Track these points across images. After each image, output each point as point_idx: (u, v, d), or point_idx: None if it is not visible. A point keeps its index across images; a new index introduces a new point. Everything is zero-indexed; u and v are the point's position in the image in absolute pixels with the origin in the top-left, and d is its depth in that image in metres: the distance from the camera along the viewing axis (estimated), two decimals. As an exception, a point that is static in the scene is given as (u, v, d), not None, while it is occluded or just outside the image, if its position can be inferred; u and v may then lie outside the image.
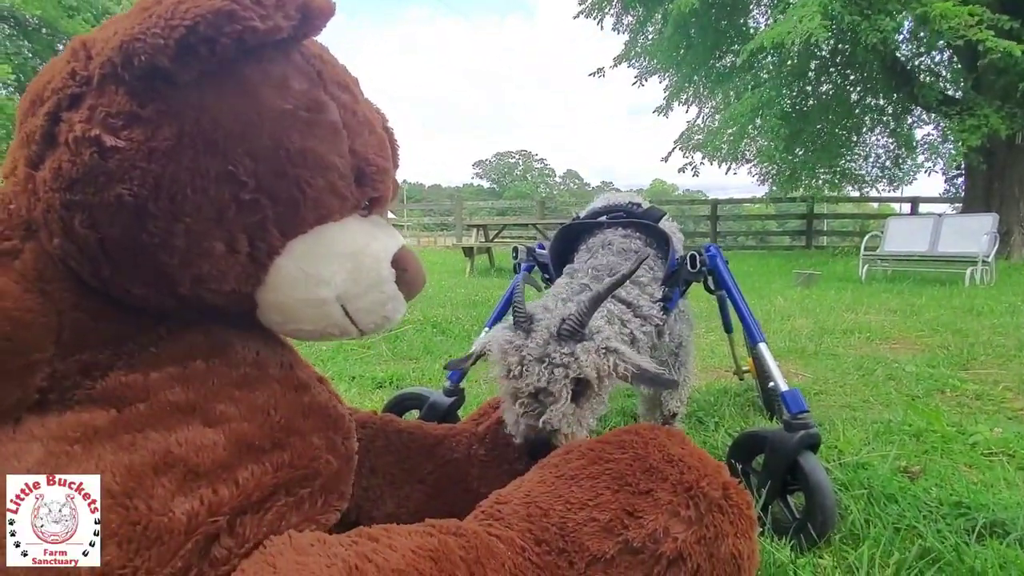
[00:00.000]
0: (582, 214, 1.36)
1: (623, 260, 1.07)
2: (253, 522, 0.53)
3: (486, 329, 1.38)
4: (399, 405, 1.35)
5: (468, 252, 7.04)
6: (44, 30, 15.81)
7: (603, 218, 1.23)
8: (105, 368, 0.60)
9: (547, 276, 1.24)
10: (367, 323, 0.69)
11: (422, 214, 15.69)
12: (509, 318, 0.93)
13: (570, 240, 1.25)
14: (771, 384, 1.09)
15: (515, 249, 1.29)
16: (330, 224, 0.66)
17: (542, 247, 1.30)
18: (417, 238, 18.41)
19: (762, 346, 1.12)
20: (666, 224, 1.26)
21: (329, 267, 0.64)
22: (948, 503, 1.07)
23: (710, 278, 1.32)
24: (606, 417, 1.72)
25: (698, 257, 1.08)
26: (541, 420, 0.81)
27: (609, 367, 0.83)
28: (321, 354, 2.32)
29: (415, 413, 1.32)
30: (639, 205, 1.29)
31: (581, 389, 0.84)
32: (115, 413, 0.57)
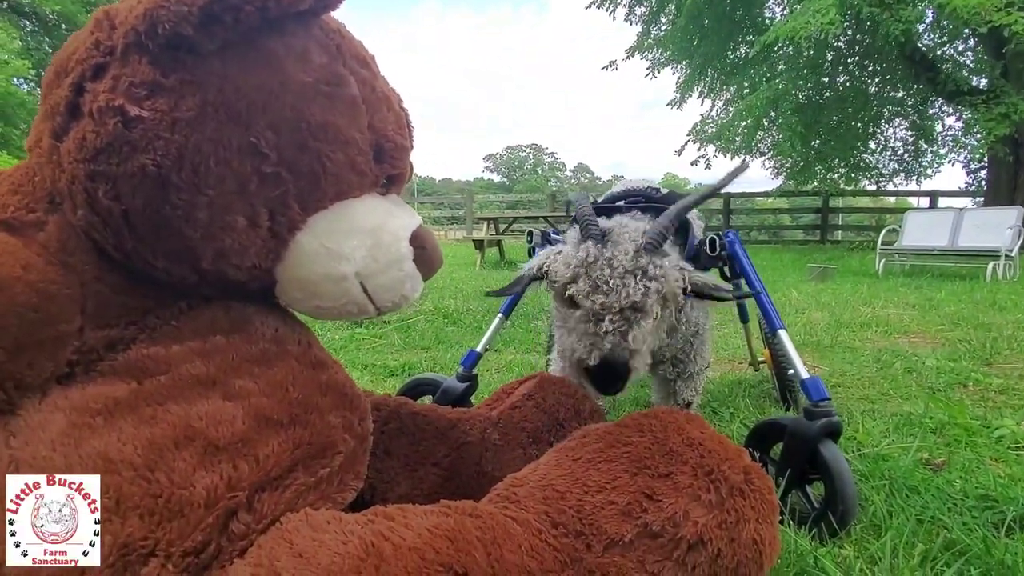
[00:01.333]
0: (600, 199, 1.34)
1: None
2: (271, 498, 0.53)
3: (500, 315, 1.37)
4: (413, 391, 1.35)
5: (478, 245, 7.03)
6: (64, 26, 16.03)
7: (621, 203, 1.21)
8: (128, 342, 0.60)
9: None
10: (385, 301, 0.68)
11: (432, 207, 15.71)
12: (566, 240, 0.90)
13: None
14: (791, 371, 1.07)
15: (529, 233, 1.28)
16: (350, 200, 0.66)
17: (557, 232, 1.29)
18: (428, 231, 18.38)
19: (782, 333, 1.10)
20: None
21: (349, 243, 0.64)
22: (974, 496, 1.05)
23: (726, 266, 1.30)
24: (621, 405, 1.71)
25: (718, 241, 1.06)
26: (630, 337, 0.78)
27: (685, 282, 0.81)
28: (333, 343, 2.33)
29: (429, 400, 1.32)
30: (657, 191, 1.27)
31: (662, 306, 0.82)
32: (136, 385, 0.57)
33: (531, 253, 1.30)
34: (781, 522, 0.93)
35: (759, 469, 0.66)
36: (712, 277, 0.87)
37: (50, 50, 16.49)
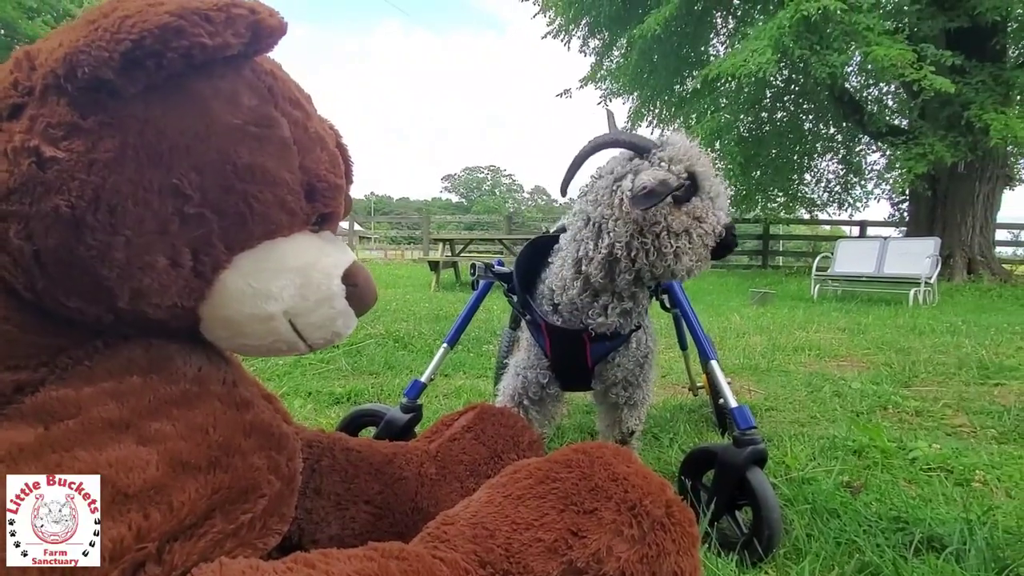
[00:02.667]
0: (552, 229, 1.38)
1: None
2: (184, 548, 0.51)
3: (445, 345, 1.37)
4: (354, 422, 1.32)
5: (434, 266, 7.00)
6: (2, 31, 15.20)
7: None
8: (38, 384, 0.58)
9: (509, 290, 1.25)
10: (316, 338, 0.68)
11: (389, 227, 15.57)
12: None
13: (539, 254, 1.25)
14: (721, 400, 1.12)
15: (473, 266, 1.29)
16: (279, 239, 0.65)
17: (500, 263, 1.31)
18: (384, 251, 18.20)
19: (713, 363, 1.15)
20: None
21: (277, 282, 0.63)
22: (887, 518, 1.12)
23: (665, 296, 1.36)
24: (562, 433, 1.73)
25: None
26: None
27: None
28: (277, 368, 2.26)
29: (372, 431, 1.30)
30: None
31: None
32: (43, 431, 0.54)
33: (474, 286, 1.32)
34: (708, 549, 0.96)
35: (680, 503, 0.69)
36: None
37: (-9, 57, 15.58)
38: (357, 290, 0.69)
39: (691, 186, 1.01)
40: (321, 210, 0.69)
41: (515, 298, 1.22)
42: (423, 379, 1.31)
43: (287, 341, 0.66)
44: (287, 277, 0.64)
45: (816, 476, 1.33)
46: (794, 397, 2.19)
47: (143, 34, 0.49)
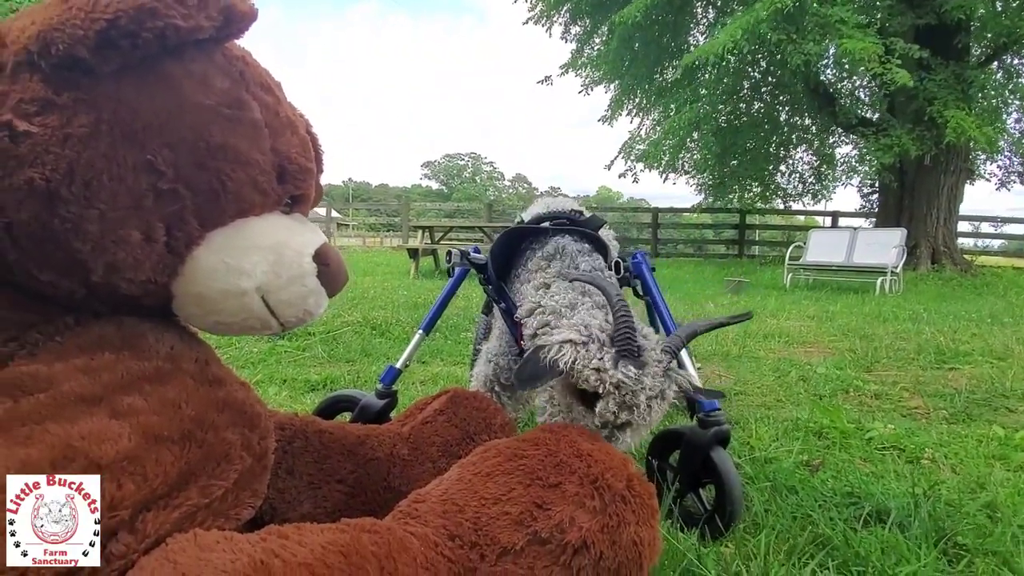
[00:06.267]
0: (525, 217, 1.39)
1: (587, 260, 1.11)
2: (157, 518, 0.52)
3: (420, 331, 1.39)
4: (331, 408, 1.33)
5: (413, 254, 6.97)
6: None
7: (546, 224, 1.25)
8: (6, 359, 0.58)
9: (484, 278, 1.26)
10: (288, 316, 0.69)
11: (368, 214, 15.38)
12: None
13: (514, 244, 1.25)
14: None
15: (448, 253, 1.31)
16: (251, 218, 0.66)
17: (476, 251, 1.32)
18: (363, 238, 17.98)
19: (685, 356, 1.19)
20: (604, 232, 1.32)
21: (250, 259, 0.64)
22: (841, 493, 1.18)
23: (637, 283, 1.38)
24: (533, 417, 1.76)
25: (622, 264, 1.13)
26: (633, 444, 0.85)
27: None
28: (252, 356, 2.25)
29: (348, 416, 1.31)
30: (581, 213, 1.33)
31: None
32: (11, 404, 0.54)
33: (450, 272, 1.33)
34: (672, 524, 1.00)
35: (641, 476, 0.72)
36: (687, 374, 0.92)
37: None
38: (329, 269, 0.71)
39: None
40: (292, 192, 0.70)
41: (490, 287, 1.23)
42: (398, 365, 1.33)
43: (259, 318, 0.67)
44: (259, 254, 0.65)
45: (778, 456, 1.38)
46: (762, 382, 2.26)
47: (118, 14, 0.49)
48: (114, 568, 0.48)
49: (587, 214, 1.30)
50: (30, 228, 0.54)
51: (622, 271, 1.14)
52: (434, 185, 55.69)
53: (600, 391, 0.82)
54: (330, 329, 2.87)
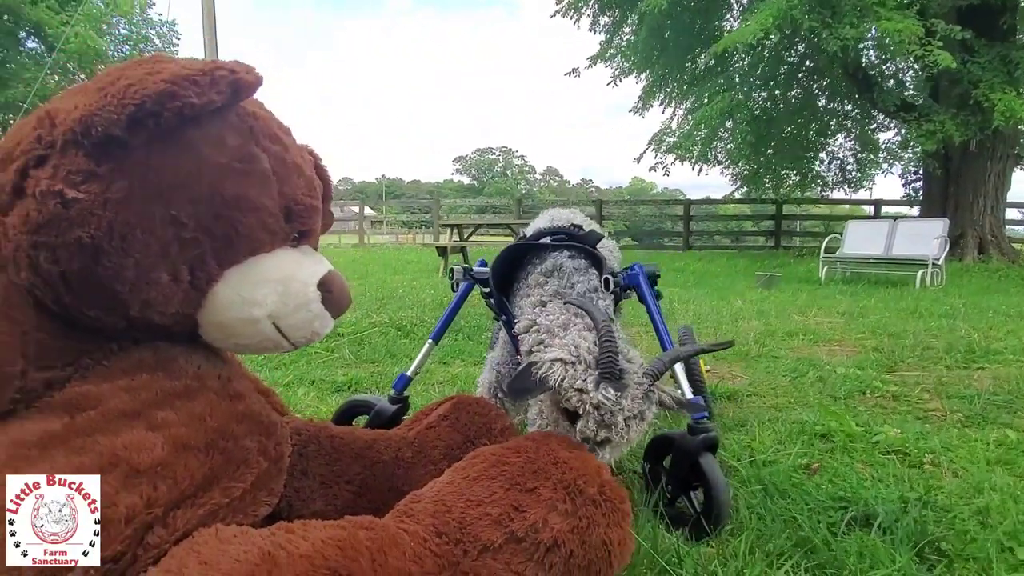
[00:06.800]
0: (529, 231, 1.47)
1: (583, 278, 1.17)
2: (185, 515, 0.63)
3: (429, 341, 1.48)
4: (348, 412, 1.44)
5: (442, 252, 7.11)
6: (6, 16, 15.32)
7: (547, 239, 1.32)
8: (64, 381, 0.69)
9: (486, 292, 1.34)
10: (297, 337, 0.79)
11: (400, 211, 15.69)
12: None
13: (516, 259, 1.31)
14: (679, 392, 1.21)
15: (451, 270, 1.39)
16: (262, 255, 0.76)
17: (483, 263, 1.40)
18: (396, 235, 18.34)
19: (679, 370, 1.24)
20: (606, 242, 1.38)
21: (261, 291, 0.74)
22: (833, 497, 1.21)
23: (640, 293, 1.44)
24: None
25: (611, 280, 1.19)
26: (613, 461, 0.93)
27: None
28: (284, 359, 2.39)
29: (364, 419, 1.41)
30: (580, 227, 1.39)
31: None
32: (69, 419, 0.66)
33: (453, 288, 1.41)
34: (658, 525, 1.07)
35: (613, 483, 0.79)
36: (671, 390, 1.00)
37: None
38: (332, 296, 0.80)
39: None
40: (299, 228, 0.80)
41: (492, 300, 1.31)
42: (409, 373, 1.42)
43: (272, 340, 0.78)
44: (269, 287, 0.75)
45: (777, 459, 1.42)
46: (777, 383, 2.27)
47: (144, 99, 0.59)
48: (149, 556, 0.58)
49: (587, 228, 1.36)
50: (80, 276, 0.65)
51: (611, 286, 1.20)
52: (466, 180, 56.07)
53: (580, 411, 0.90)
54: (358, 330, 3.01)
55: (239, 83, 0.65)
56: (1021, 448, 1.56)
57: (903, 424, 1.74)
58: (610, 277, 1.18)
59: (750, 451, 1.49)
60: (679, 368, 1.23)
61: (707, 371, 2.09)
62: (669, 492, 1.16)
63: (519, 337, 1.10)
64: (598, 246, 1.28)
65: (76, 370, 0.71)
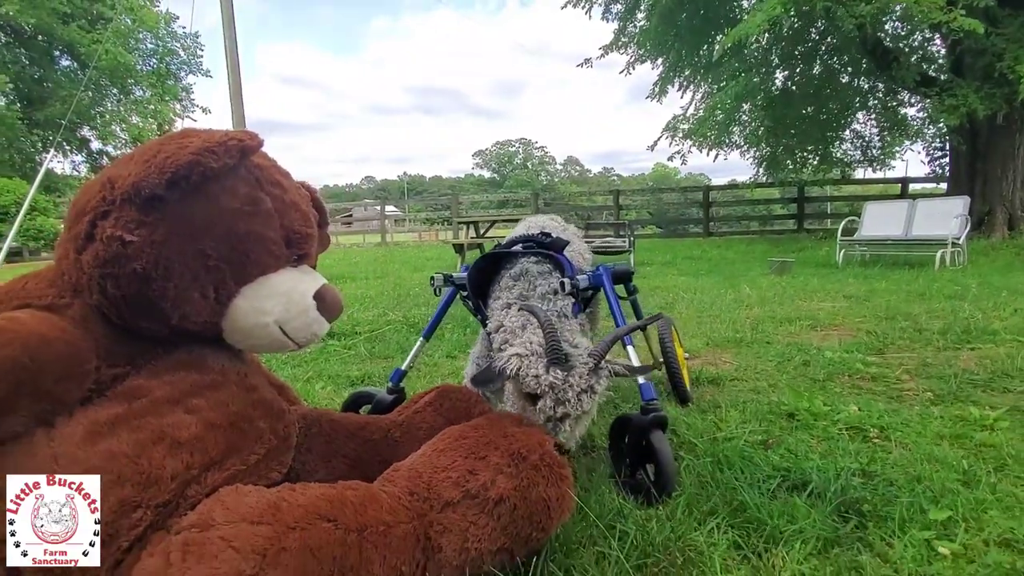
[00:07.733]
0: (512, 236, 1.65)
1: (545, 282, 1.37)
2: (214, 476, 0.84)
3: (420, 339, 1.68)
4: (355, 402, 1.66)
5: (459, 249, 7.32)
6: (40, 37, 16.04)
7: (518, 247, 1.52)
8: (125, 376, 0.91)
9: (465, 296, 1.54)
10: (300, 338, 1.00)
11: (420, 208, 15.98)
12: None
13: (492, 266, 1.51)
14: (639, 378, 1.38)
15: (432, 278, 1.59)
16: (270, 274, 0.97)
17: (467, 269, 1.59)
18: (418, 233, 18.73)
19: (630, 348, 1.41)
20: (577, 244, 1.56)
21: (269, 302, 0.95)
22: (777, 468, 1.37)
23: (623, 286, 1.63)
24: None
25: (567, 283, 1.37)
26: (577, 435, 1.12)
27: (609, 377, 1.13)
28: (304, 357, 2.63)
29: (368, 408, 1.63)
30: (549, 235, 1.58)
31: None
32: (128, 406, 0.87)
33: (436, 293, 1.61)
34: (616, 494, 1.24)
35: (553, 453, 0.98)
36: (623, 361, 1.19)
37: (27, 62, 16.40)
38: (325, 304, 1.01)
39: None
40: (297, 252, 1.01)
41: (470, 303, 1.51)
42: (403, 367, 1.64)
43: (280, 341, 0.99)
44: (275, 299, 0.95)
45: (737, 436, 1.58)
46: (762, 367, 2.40)
47: (178, 168, 0.80)
48: (188, 503, 0.80)
49: (555, 235, 1.55)
50: (135, 297, 0.87)
51: (567, 288, 1.37)
52: (486, 174, 56.21)
53: (538, 392, 1.08)
54: (374, 328, 3.24)
55: (246, 148, 0.85)
56: (979, 424, 1.67)
57: (869, 404, 1.86)
58: (566, 280, 1.36)
59: (716, 429, 1.65)
60: (631, 350, 1.40)
61: (686, 358, 2.24)
62: (628, 466, 1.34)
63: (491, 335, 1.29)
64: (566, 251, 1.45)
65: (133, 368, 0.92)
